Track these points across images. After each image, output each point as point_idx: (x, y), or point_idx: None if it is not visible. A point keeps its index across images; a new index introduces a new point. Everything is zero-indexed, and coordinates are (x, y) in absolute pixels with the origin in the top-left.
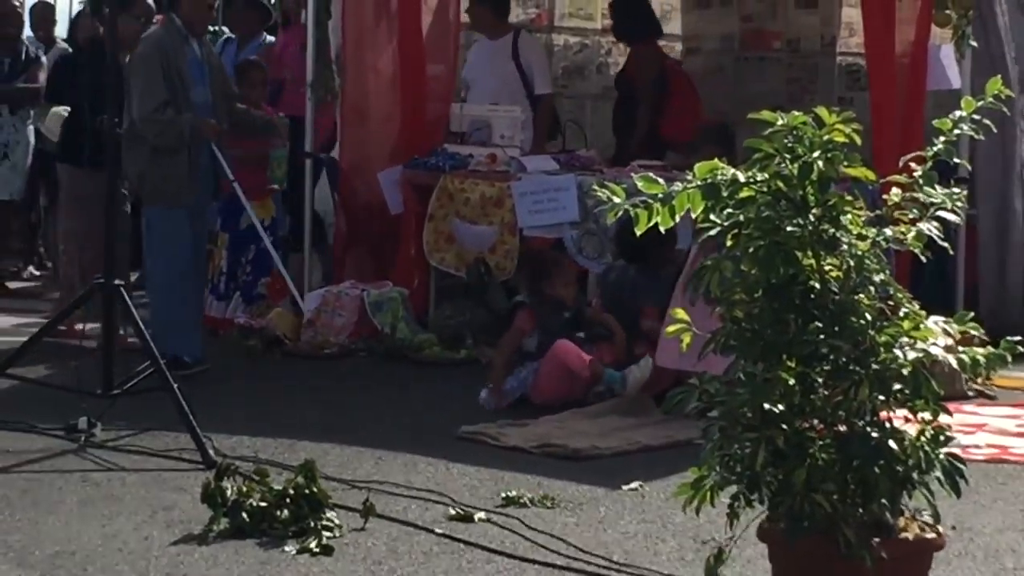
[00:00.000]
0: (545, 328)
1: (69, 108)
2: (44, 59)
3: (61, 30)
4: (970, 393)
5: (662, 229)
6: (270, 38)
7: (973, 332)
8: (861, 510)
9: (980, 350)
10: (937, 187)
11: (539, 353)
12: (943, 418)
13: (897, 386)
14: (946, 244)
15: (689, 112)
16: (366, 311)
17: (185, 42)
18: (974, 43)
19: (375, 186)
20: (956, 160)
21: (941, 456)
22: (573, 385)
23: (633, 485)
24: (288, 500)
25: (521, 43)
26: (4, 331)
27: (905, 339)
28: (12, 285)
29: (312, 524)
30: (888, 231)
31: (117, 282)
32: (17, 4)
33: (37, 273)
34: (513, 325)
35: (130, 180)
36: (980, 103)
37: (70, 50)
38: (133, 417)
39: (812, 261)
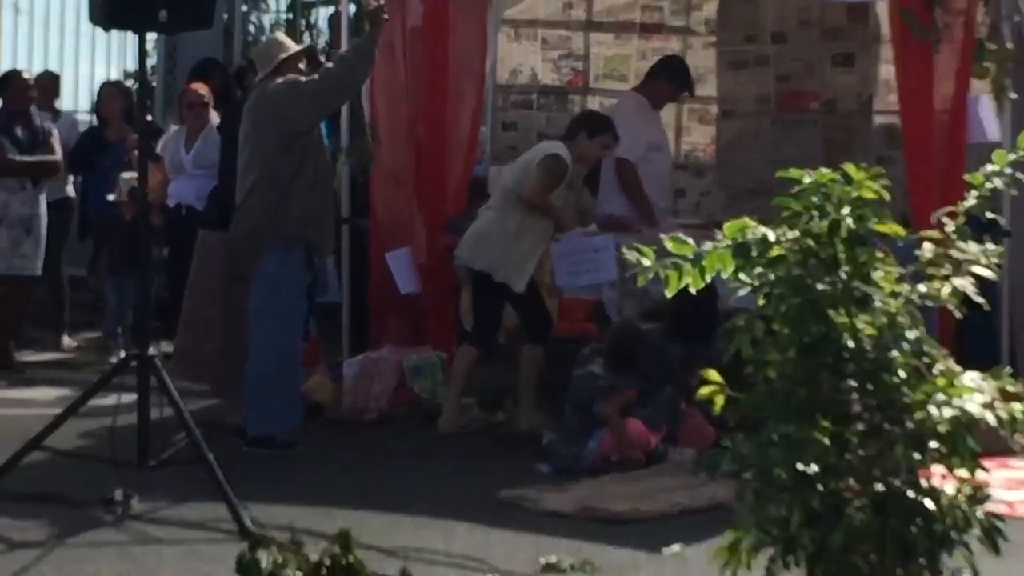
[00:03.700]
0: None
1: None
2: (55, 130)
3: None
4: (1017, 448)
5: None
6: None
7: (1009, 387)
8: (900, 570)
9: (1018, 406)
10: (971, 243)
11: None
12: (981, 475)
13: (933, 444)
14: (982, 300)
15: None
16: (405, 376)
17: None
18: (1013, 95)
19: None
20: (989, 215)
21: (979, 514)
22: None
23: (674, 548)
24: (324, 570)
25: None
26: (47, 403)
27: (941, 396)
28: (45, 357)
29: None
30: (922, 287)
31: (151, 353)
32: (28, 77)
33: (74, 344)
34: (617, 400)
35: (255, 222)
36: (1012, 156)
37: (94, 122)
38: (171, 488)
39: (845, 319)
